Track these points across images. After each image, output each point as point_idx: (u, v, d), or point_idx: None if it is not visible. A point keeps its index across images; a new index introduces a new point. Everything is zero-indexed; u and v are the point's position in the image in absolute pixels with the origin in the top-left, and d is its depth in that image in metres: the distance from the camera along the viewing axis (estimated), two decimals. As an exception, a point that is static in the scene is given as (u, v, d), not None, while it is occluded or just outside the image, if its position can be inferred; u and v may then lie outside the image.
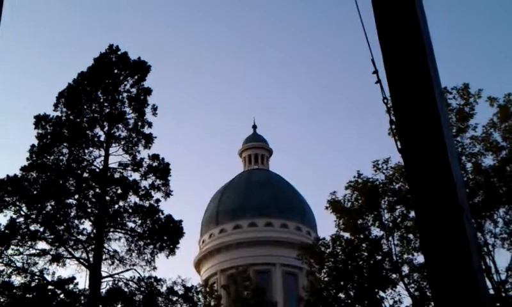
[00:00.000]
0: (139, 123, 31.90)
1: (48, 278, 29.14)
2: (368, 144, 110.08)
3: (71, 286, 29.11)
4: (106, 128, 31.57)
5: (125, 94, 32.33)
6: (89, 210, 30.25)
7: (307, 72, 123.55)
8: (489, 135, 28.32)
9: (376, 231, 30.27)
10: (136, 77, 32.60)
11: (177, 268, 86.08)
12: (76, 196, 30.32)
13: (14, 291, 28.35)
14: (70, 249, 29.70)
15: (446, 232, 3.81)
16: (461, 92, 28.75)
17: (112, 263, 30.32)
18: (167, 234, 30.69)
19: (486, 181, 27.32)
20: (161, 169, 31.51)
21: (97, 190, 30.49)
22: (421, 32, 4.25)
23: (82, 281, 29.38)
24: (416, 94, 4.09)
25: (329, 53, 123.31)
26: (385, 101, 4.49)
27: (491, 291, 25.82)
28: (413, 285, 28.94)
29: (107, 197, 30.39)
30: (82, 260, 29.36)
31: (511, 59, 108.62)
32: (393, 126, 4.34)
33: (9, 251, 28.97)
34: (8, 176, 29.55)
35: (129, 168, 31.24)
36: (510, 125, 28.10)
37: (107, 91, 32.17)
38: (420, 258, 28.73)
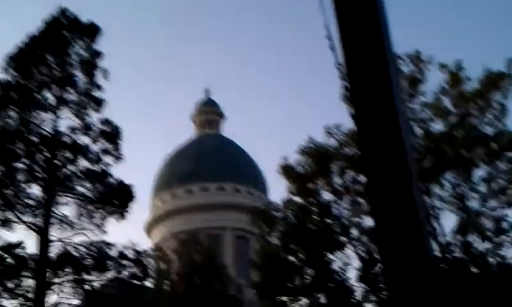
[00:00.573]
0: (90, 87, 31.47)
1: (-4, 242, 28.83)
2: (321, 109, 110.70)
3: (19, 250, 28.85)
4: (56, 92, 31.04)
5: (75, 58, 31.78)
6: (38, 175, 29.83)
7: (261, 35, 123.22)
8: (439, 102, 28.76)
9: (327, 196, 30.62)
10: (87, 40, 32.05)
11: (129, 233, 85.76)
12: (25, 160, 29.85)
13: (-39, 256, 27.98)
14: (18, 214, 29.32)
15: (394, 196, 3.87)
16: (413, 58, 29.06)
17: (62, 227, 30.05)
18: (117, 198, 30.56)
19: (435, 146, 27.80)
20: (112, 134, 31.21)
21: (46, 154, 30.07)
22: (374, -1, 4.26)
23: (31, 245, 29.16)
24: (369, 60, 4.11)
25: (283, 16, 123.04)
26: (338, 66, 4.51)
27: (438, 253, 26.43)
28: (361, 248, 29.43)
29: (57, 162, 30.02)
30: (31, 225, 29.05)
31: (462, 25, 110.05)
32: (346, 92, 4.37)
33: (-43, 216, 28.53)
34: (-46, 140, 28.97)
35: (79, 132, 30.89)
36: (460, 91, 28.56)
37: (57, 54, 31.54)
38: (369, 222, 29.23)
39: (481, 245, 27.87)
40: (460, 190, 28.08)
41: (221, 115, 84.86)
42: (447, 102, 28.83)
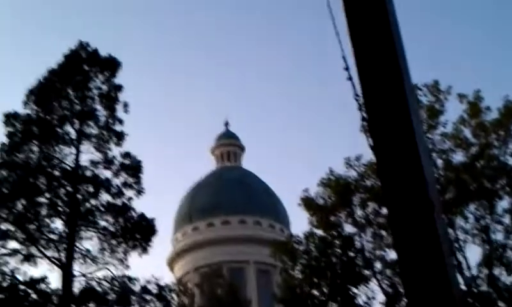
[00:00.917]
0: (110, 121, 31.68)
1: (20, 278, 28.87)
2: (340, 141, 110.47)
3: (43, 285, 28.85)
4: (77, 126, 31.31)
5: (95, 91, 32.09)
6: (60, 209, 29.97)
7: (279, 68, 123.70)
8: (459, 132, 28.63)
9: (349, 228, 30.46)
10: (107, 74, 32.37)
11: (151, 266, 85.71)
12: (47, 195, 30.02)
13: (-15, 291, 28.05)
14: (41, 249, 29.40)
15: (417, 228, 3.82)
16: (431, 89, 29.02)
17: (85, 262, 30.08)
18: (140, 232, 30.55)
19: (456, 177, 27.61)
20: (133, 167, 31.33)
21: (68, 188, 30.22)
22: (391, 30, 4.26)
23: (55, 280, 29.19)
24: (387, 91, 4.09)
25: (301, 49, 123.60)
26: (357, 98, 4.49)
27: (463, 287, 26.10)
28: (385, 281, 29.16)
29: (79, 196, 30.14)
30: (54, 259, 29.09)
31: (480, 55, 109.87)
32: (365, 123, 4.35)
33: (-20, 251, 28.67)
34: (-23, 175, 29.22)
35: (101, 166, 31.02)
36: (479, 121, 28.42)
37: (78, 88, 31.90)
38: (392, 255, 28.98)
39: (507, 278, 27.51)
40: (484, 222, 27.78)
41: (241, 147, 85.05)
42: (467, 133, 28.71)
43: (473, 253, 28.24)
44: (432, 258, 3.77)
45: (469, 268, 27.15)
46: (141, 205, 31.88)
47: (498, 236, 27.75)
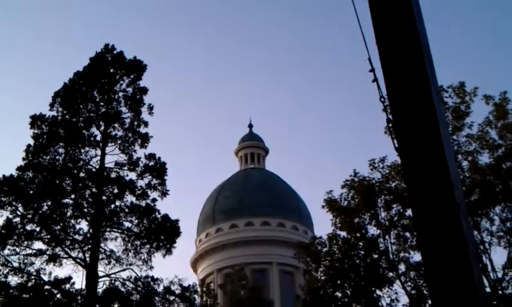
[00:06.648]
0: (135, 123, 31.89)
1: (45, 278, 29.19)
2: (364, 142, 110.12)
3: (68, 285, 29.12)
4: (102, 128, 31.53)
5: (121, 94, 32.35)
6: (85, 210, 30.19)
7: (303, 71, 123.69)
8: (485, 134, 28.38)
9: (373, 230, 30.31)
10: (132, 77, 32.58)
11: (174, 267, 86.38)
12: (72, 196, 30.28)
13: (11, 291, 28.32)
14: (66, 249, 29.68)
15: (443, 230, 3.82)
16: (457, 90, 28.81)
17: (109, 262, 30.32)
18: (163, 233, 30.66)
19: (482, 179, 27.37)
20: (157, 169, 31.47)
21: (93, 189, 30.45)
22: (417, 31, 4.25)
23: (79, 280, 29.40)
24: (413, 93, 4.09)
25: (325, 51, 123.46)
26: (382, 99, 4.49)
27: (488, 289, 25.86)
28: (409, 283, 28.97)
29: (104, 197, 30.34)
30: (78, 260, 29.33)
31: (507, 56, 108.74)
32: (390, 125, 4.35)
33: (6, 251, 29.01)
34: (4, 176, 29.53)
35: (125, 168, 31.22)
36: (506, 123, 28.16)
37: (103, 91, 32.14)
38: (416, 257, 28.84)
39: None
40: (510, 225, 27.52)
41: (264, 149, 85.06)
42: (493, 134, 28.45)
43: (498, 255, 27.98)
44: (457, 259, 3.76)
45: (494, 270, 26.91)
46: (165, 206, 32.05)
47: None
